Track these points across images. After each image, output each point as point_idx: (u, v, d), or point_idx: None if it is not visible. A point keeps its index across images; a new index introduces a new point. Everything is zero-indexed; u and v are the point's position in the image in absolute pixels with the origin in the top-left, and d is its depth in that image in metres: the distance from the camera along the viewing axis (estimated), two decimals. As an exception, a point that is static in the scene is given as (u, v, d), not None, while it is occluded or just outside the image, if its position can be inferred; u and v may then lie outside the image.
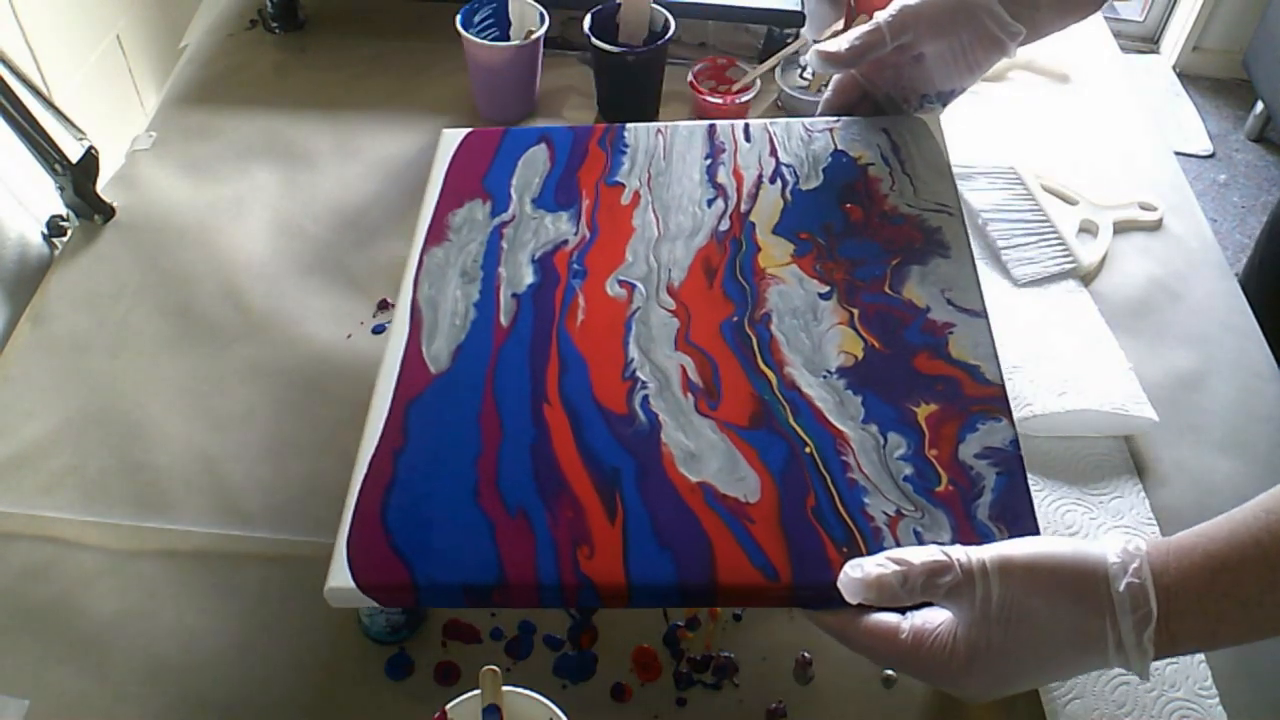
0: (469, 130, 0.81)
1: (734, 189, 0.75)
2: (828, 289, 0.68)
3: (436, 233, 0.74)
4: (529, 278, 0.70)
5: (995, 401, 0.62)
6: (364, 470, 0.62)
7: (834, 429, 0.62)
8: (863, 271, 0.69)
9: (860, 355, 0.65)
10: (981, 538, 0.56)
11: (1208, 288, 0.90)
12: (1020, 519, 0.57)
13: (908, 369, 0.64)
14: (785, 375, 0.64)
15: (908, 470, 0.60)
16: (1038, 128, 1.05)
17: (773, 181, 0.76)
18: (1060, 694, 0.63)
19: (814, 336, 0.66)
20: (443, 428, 0.63)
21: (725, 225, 0.73)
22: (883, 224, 0.72)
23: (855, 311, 0.67)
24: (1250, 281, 1.11)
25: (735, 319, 0.67)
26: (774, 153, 0.78)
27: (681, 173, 0.77)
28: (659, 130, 0.80)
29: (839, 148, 0.78)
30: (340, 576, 0.57)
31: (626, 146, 0.79)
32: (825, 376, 0.64)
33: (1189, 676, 0.64)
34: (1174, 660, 0.64)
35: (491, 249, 0.72)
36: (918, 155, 0.76)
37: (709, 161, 0.77)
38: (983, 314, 0.67)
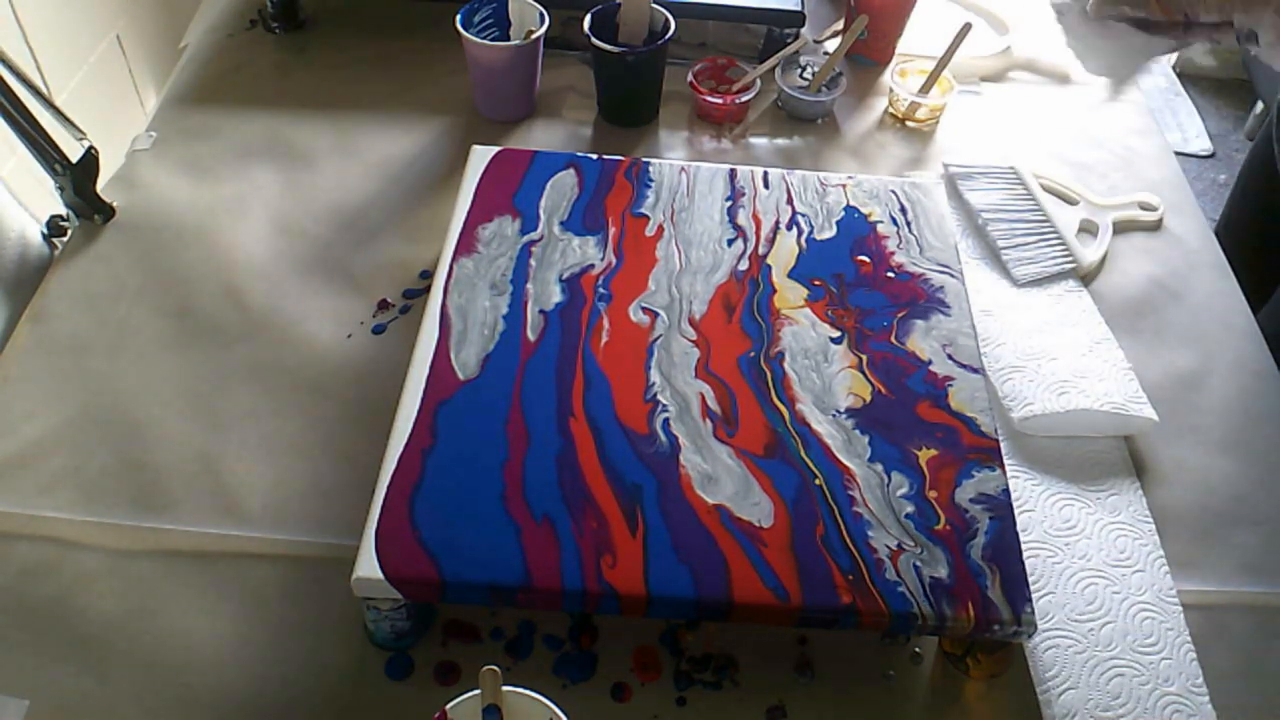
0: (499, 149, 0.84)
1: (753, 231, 0.80)
2: (839, 334, 0.73)
3: (466, 244, 0.77)
4: (557, 296, 0.73)
5: (989, 452, 0.67)
6: (393, 465, 0.64)
7: (842, 465, 0.65)
8: (871, 321, 0.74)
9: (868, 398, 0.69)
10: (976, 577, 0.60)
11: (1208, 288, 0.90)
12: (1010, 560, 0.61)
13: (911, 415, 0.68)
14: (797, 411, 0.68)
15: (909, 509, 0.64)
16: (1038, 128, 1.05)
17: (789, 228, 0.80)
18: (1054, 684, 0.63)
19: (824, 377, 0.70)
20: (471, 432, 0.66)
21: (744, 265, 0.77)
22: (890, 278, 0.77)
23: (864, 357, 0.71)
24: (1224, 231, 1.12)
25: (752, 354, 0.71)
26: (790, 201, 0.82)
27: (703, 211, 0.81)
28: (682, 169, 0.84)
29: (851, 203, 0.82)
30: (368, 566, 0.59)
31: (651, 181, 0.83)
32: (835, 415, 0.68)
33: (1181, 673, 0.64)
34: (1168, 656, 0.64)
35: (520, 265, 0.76)
36: (924, 218, 0.81)
37: (729, 203, 0.82)
38: (980, 371, 0.71)
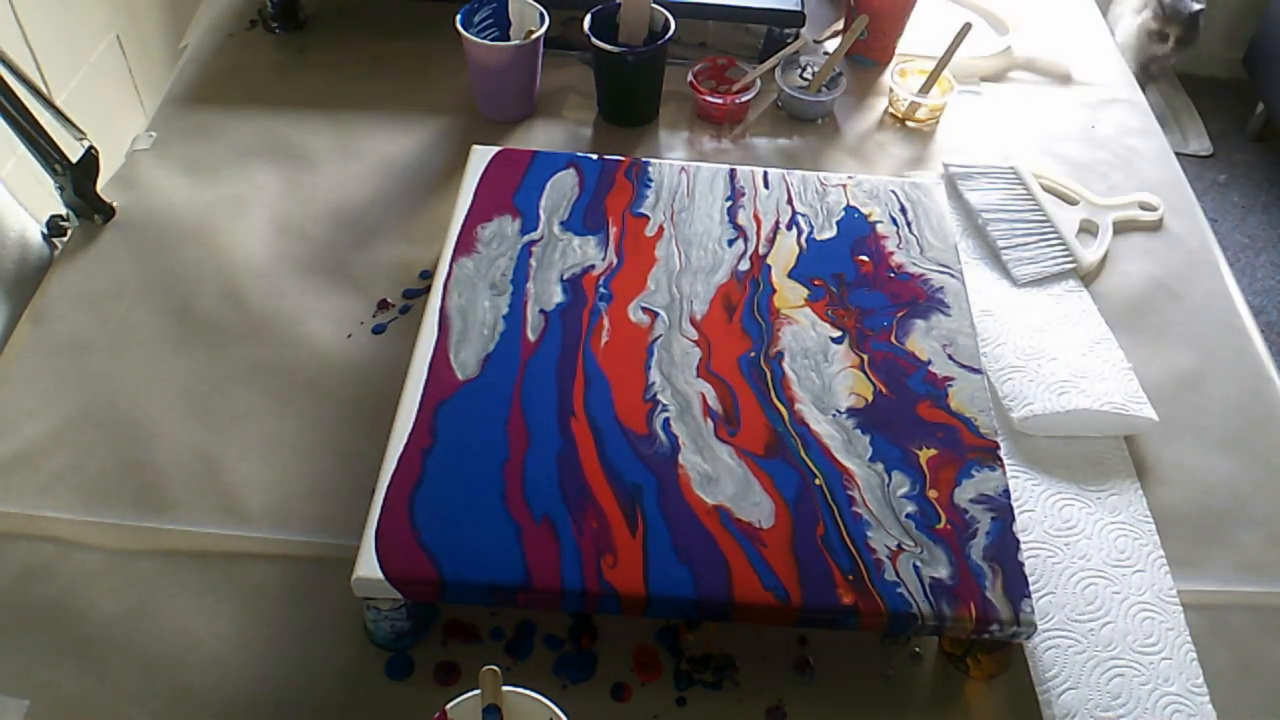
0: (499, 149, 0.84)
1: (753, 232, 0.80)
2: (840, 334, 0.73)
3: (466, 244, 0.77)
4: (558, 297, 0.74)
5: (989, 452, 0.67)
6: (393, 465, 0.64)
7: (841, 465, 0.65)
8: (871, 321, 0.74)
9: (870, 398, 0.69)
10: (976, 577, 0.60)
11: (1208, 288, 0.90)
12: (1010, 560, 0.62)
13: (911, 415, 0.68)
14: (795, 411, 0.68)
15: (909, 509, 0.64)
16: (1038, 128, 1.05)
17: (789, 228, 0.80)
18: (1055, 685, 0.63)
19: (824, 377, 0.70)
20: (470, 432, 0.66)
21: (745, 265, 0.77)
22: (890, 278, 0.77)
23: (865, 357, 0.71)
24: (1253, 56, 1.09)
25: (752, 354, 0.71)
26: (790, 201, 0.82)
27: (704, 211, 0.81)
28: (682, 169, 0.84)
29: (851, 203, 0.82)
30: (368, 566, 0.59)
31: (651, 181, 0.83)
32: (835, 415, 0.68)
33: (1182, 673, 0.64)
34: (1168, 656, 0.64)
35: (521, 265, 0.76)
36: (924, 218, 0.81)
37: (730, 203, 0.82)
38: (980, 371, 0.71)
